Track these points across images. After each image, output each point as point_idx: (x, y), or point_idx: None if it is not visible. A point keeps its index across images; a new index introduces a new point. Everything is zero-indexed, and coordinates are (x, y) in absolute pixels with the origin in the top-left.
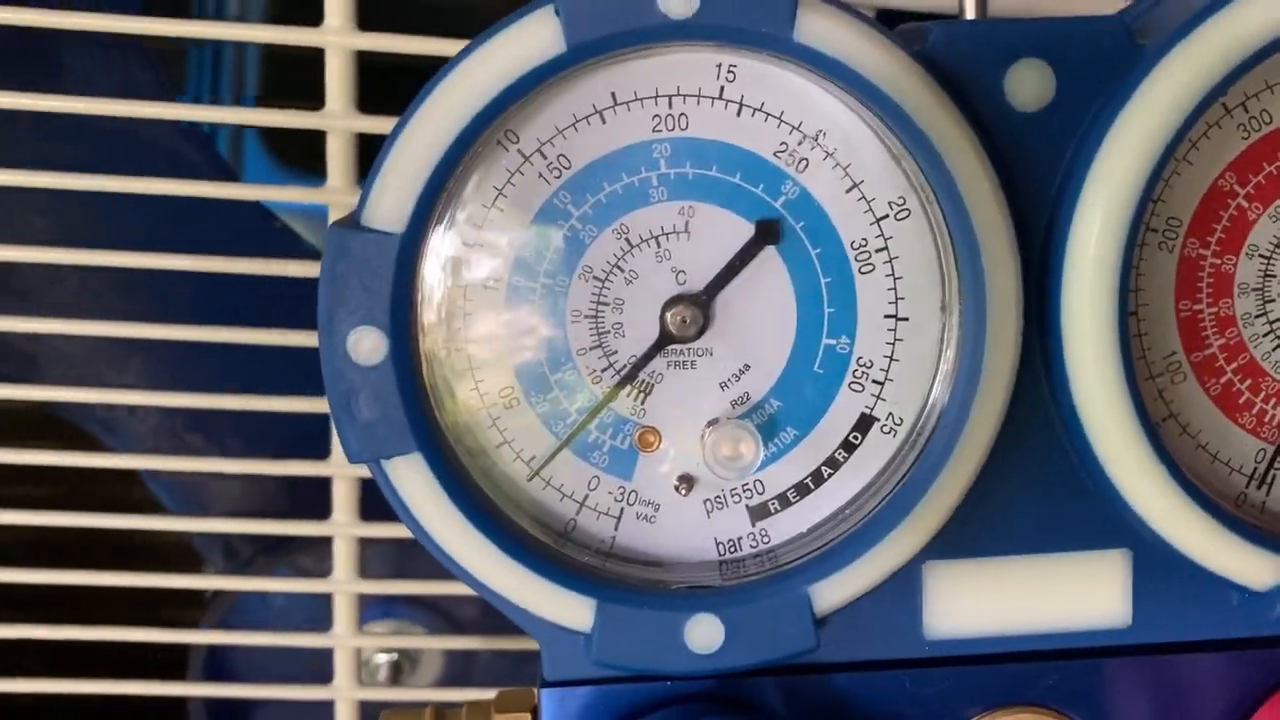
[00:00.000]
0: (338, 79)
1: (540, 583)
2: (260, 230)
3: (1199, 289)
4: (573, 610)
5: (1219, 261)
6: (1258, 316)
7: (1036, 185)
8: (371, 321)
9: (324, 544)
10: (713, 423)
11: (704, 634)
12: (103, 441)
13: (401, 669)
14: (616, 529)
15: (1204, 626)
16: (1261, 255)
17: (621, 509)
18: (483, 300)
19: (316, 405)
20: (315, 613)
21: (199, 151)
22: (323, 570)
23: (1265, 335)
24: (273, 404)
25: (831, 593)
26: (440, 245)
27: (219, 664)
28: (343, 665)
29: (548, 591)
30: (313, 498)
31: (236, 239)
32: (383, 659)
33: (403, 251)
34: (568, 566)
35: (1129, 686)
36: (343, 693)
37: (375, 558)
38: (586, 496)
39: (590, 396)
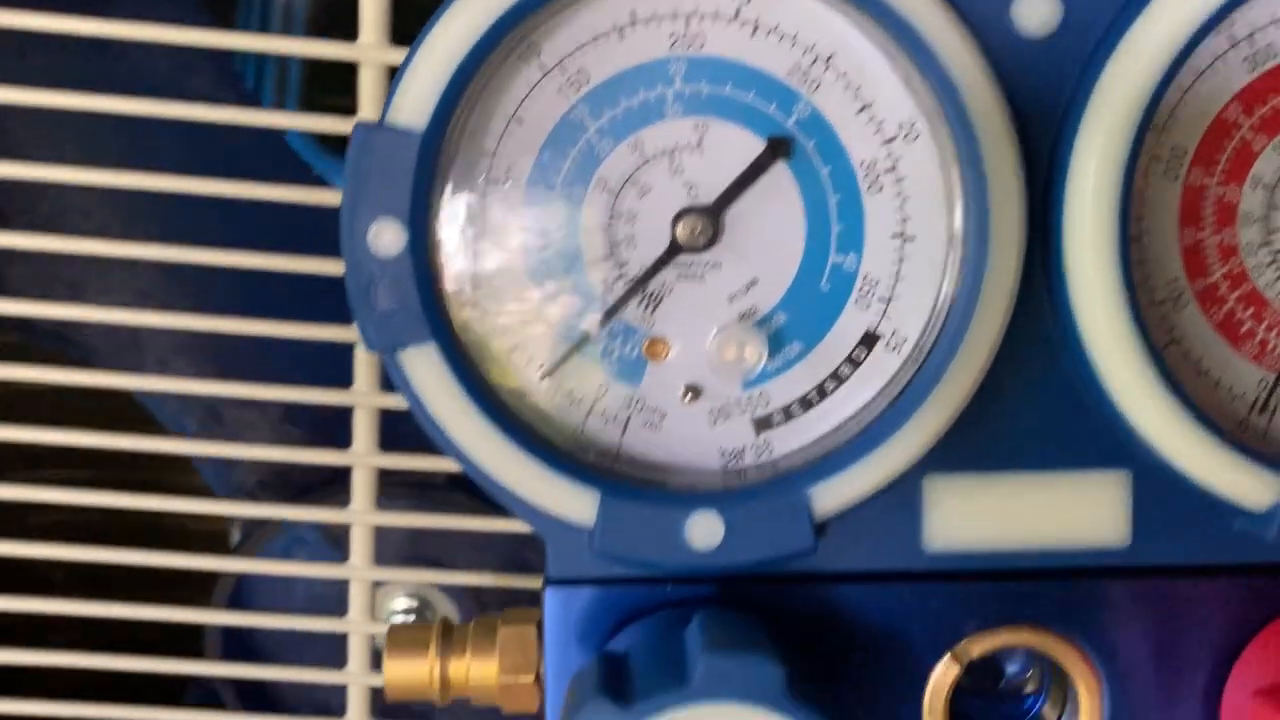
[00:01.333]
0: (373, 10)
1: (547, 475)
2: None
3: (1202, 218)
4: (577, 504)
5: (1223, 191)
6: (1261, 246)
7: (1042, 111)
8: (392, 213)
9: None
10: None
11: (704, 530)
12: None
13: (424, 618)
14: (623, 435)
15: (1203, 550)
16: (1265, 186)
17: (628, 416)
18: (499, 210)
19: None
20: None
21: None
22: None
23: (1269, 265)
24: (299, 395)
25: (831, 496)
26: (461, 151)
27: (235, 647)
28: (356, 650)
29: (553, 484)
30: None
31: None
32: (399, 618)
33: (424, 148)
34: (574, 462)
35: (1127, 609)
36: (356, 678)
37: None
38: (595, 402)
39: (602, 305)
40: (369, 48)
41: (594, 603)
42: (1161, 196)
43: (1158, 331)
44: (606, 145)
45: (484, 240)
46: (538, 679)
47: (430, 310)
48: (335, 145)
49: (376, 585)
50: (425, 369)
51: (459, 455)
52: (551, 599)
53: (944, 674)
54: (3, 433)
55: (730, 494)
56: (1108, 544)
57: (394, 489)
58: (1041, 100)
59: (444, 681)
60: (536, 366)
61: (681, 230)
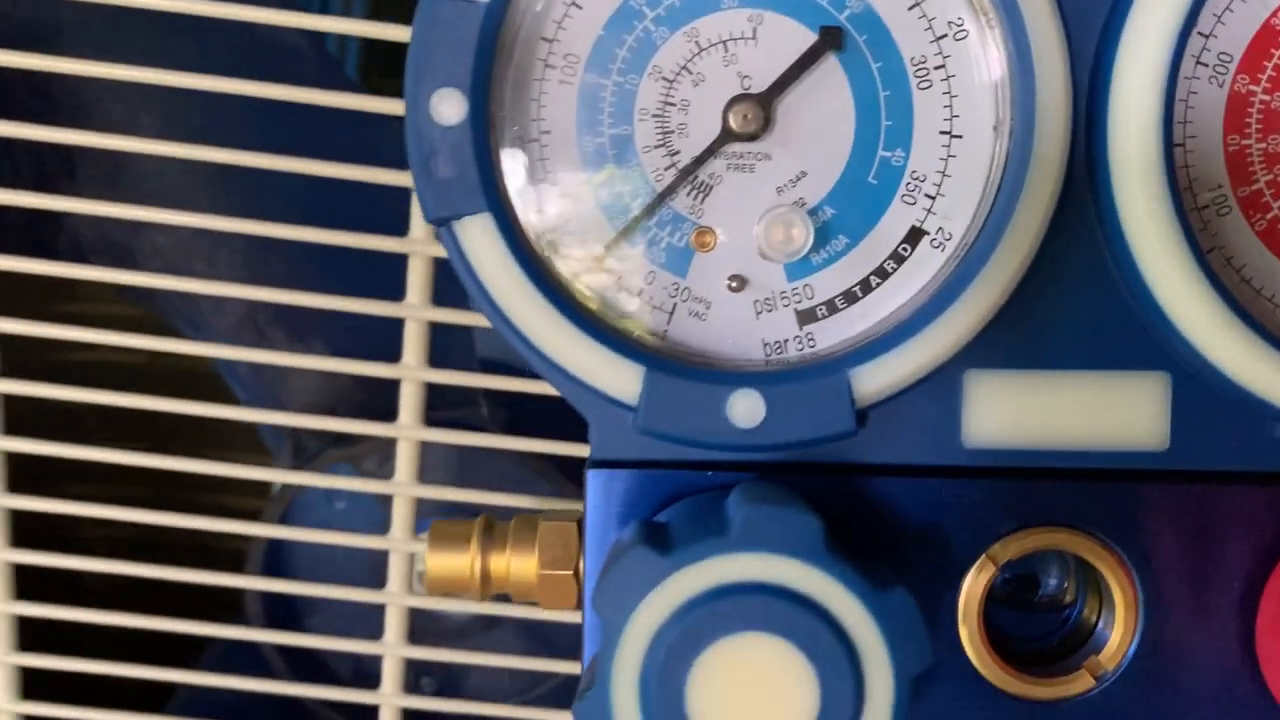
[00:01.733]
0: None
1: (593, 347)
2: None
3: (1247, 125)
4: (622, 378)
5: (1269, 99)
6: None
7: (1087, 11)
8: (453, 83)
9: (389, 446)
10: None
11: (746, 408)
12: (187, 335)
13: None
14: (669, 323)
15: (1242, 456)
16: None
17: (675, 304)
18: (556, 92)
19: (393, 309)
20: (374, 519)
21: (316, 54)
22: (385, 474)
23: None
24: (352, 304)
25: (871, 379)
26: (523, 30)
27: (277, 565)
28: (397, 569)
29: (599, 356)
30: (384, 401)
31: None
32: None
33: (487, 20)
34: (621, 338)
35: (1163, 514)
36: (395, 598)
37: (434, 467)
38: (642, 290)
39: (652, 193)
40: None
41: (636, 486)
42: (1207, 103)
43: (1201, 237)
44: (663, 33)
45: (539, 123)
46: (576, 574)
47: (487, 180)
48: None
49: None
50: (481, 239)
51: (508, 327)
52: (594, 480)
53: (979, 576)
54: (68, 394)
55: (772, 374)
56: (1146, 446)
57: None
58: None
59: (484, 575)
60: (586, 249)
61: (733, 117)
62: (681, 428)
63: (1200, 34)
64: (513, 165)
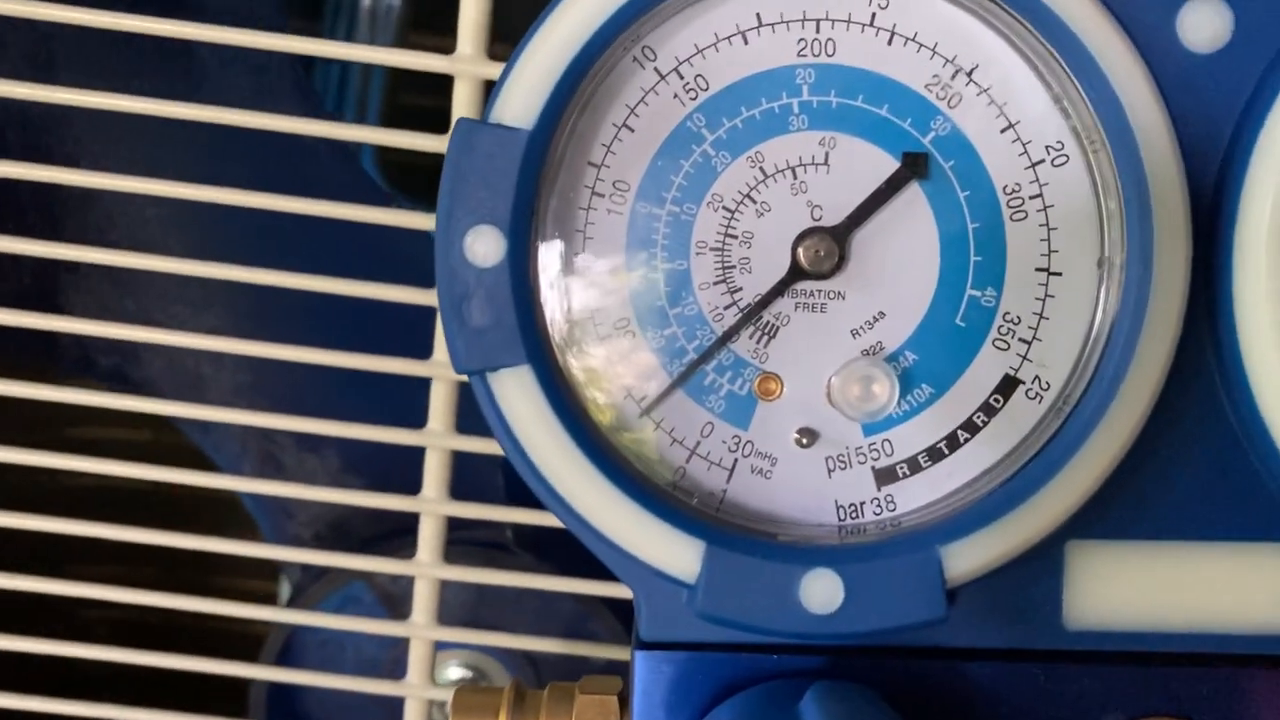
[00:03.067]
0: (470, 23)
1: (645, 518)
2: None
3: None
4: (678, 554)
5: None
6: None
7: (1208, 134)
8: (491, 220)
9: (403, 549)
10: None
11: (822, 591)
12: (193, 437)
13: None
14: (729, 481)
15: None
16: None
17: (735, 460)
18: (604, 223)
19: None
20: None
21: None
22: (400, 589)
23: None
24: (369, 432)
25: (964, 558)
26: (566, 158)
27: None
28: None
29: (652, 529)
30: (400, 529)
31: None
32: (455, 676)
33: (530, 149)
34: (676, 507)
35: None
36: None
37: (451, 586)
38: (698, 443)
39: (710, 335)
40: (465, 60)
41: (690, 670)
42: None
43: None
44: (724, 159)
45: (586, 258)
46: None
47: (528, 329)
48: (409, 184)
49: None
50: (518, 394)
51: (548, 493)
52: (643, 664)
53: None
54: (57, 526)
55: (850, 551)
56: (1275, 629)
57: (457, 549)
58: (1208, 121)
59: None
60: (636, 401)
61: (804, 253)
62: (748, 613)
63: None
64: (555, 307)
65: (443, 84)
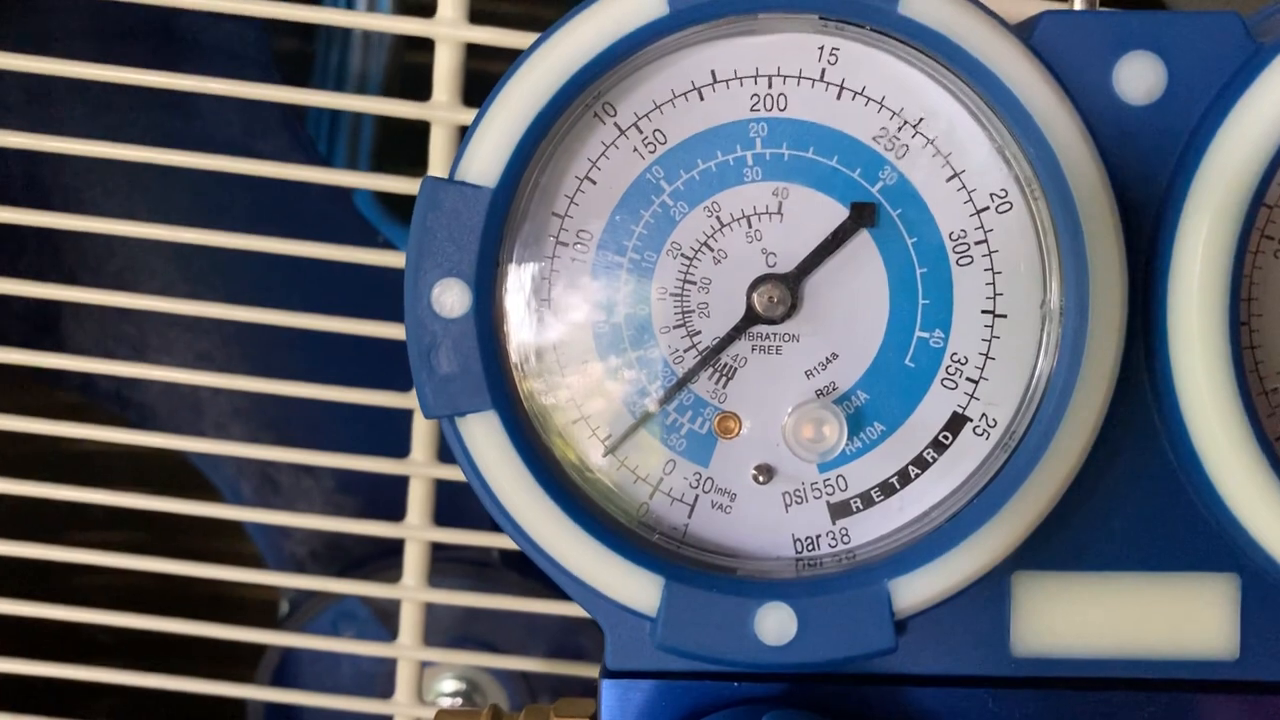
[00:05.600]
0: (445, 71)
1: (608, 556)
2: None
3: None
4: (639, 589)
5: None
6: None
7: (1144, 183)
8: (457, 274)
9: (395, 567)
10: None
11: (775, 624)
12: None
13: (473, 703)
14: (690, 516)
15: None
16: None
17: (697, 495)
18: (568, 271)
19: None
20: (381, 634)
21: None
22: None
23: None
24: (356, 463)
25: (912, 591)
26: (530, 211)
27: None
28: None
29: (615, 567)
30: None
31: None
32: (447, 701)
33: (493, 206)
34: (638, 544)
35: None
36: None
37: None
38: (661, 480)
39: (671, 377)
40: (440, 107)
41: (655, 698)
42: (1275, 277)
43: (1269, 422)
44: (682, 208)
45: (550, 305)
46: None
47: (493, 376)
48: (404, 214)
49: (425, 666)
50: (485, 438)
51: (516, 531)
52: (609, 692)
53: None
54: (57, 493)
55: (804, 585)
56: (1214, 655)
57: (446, 566)
58: (1144, 171)
59: None
60: (600, 440)
61: (758, 299)
62: (705, 645)
63: (1267, 205)
64: (521, 351)
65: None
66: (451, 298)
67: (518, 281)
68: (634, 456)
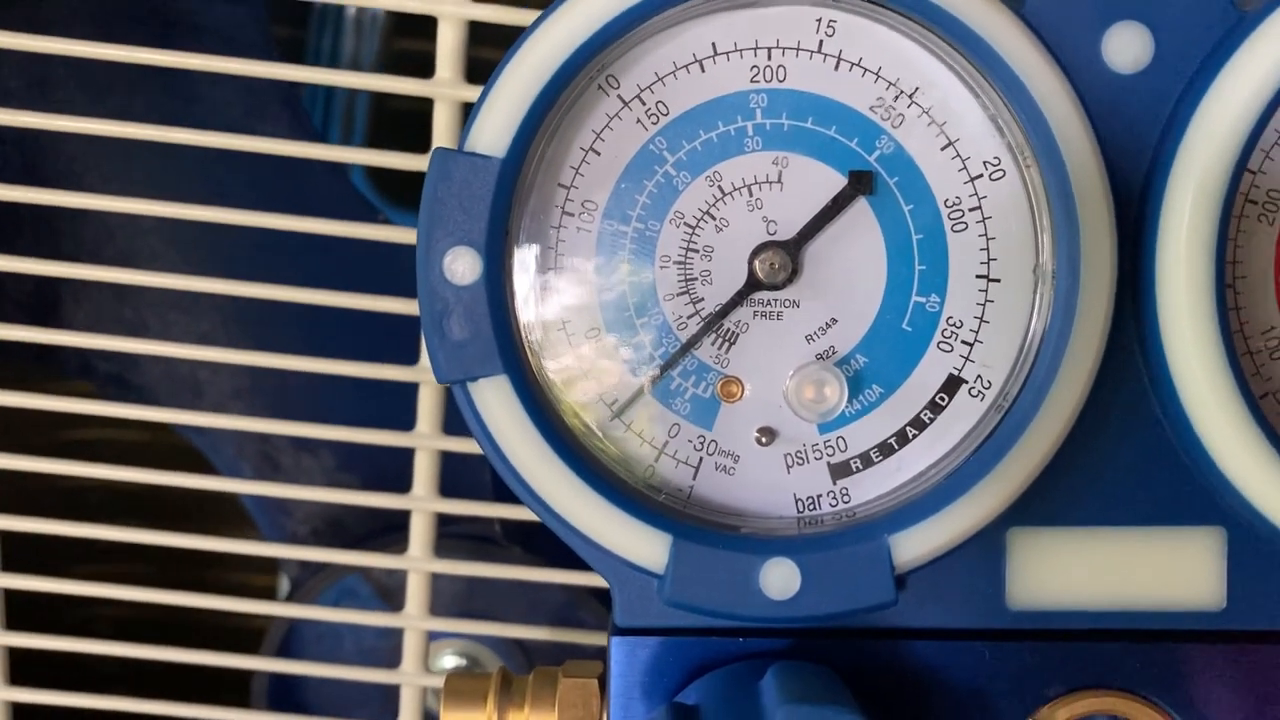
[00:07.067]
0: (449, 48)
1: (617, 515)
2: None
3: None
4: (648, 547)
5: None
6: None
7: (1132, 149)
8: (468, 242)
9: (397, 543)
10: (797, 373)
11: (780, 579)
12: (189, 437)
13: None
14: (695, 478)
15: None
16: None
17: (701, 458)
18: (574, 241)
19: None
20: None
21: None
22: (395, 582)
23: None
24: (360, 435)
25: (912, 546)
26: (537, 181)
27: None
28: (409, 703)
29: (624, 525)
30: (393, 525)
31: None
32: (450, 664)
33: (502, 175)
34: (645, 504)
35: (1221, 676)
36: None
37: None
38: (666, 443)
39: (675, 343)
40: (444, 84)
41: (662, 654)
42: (1258, 241)
43: (1254, 381)
44: (684, 178)
45: (557, 274)
46: None
47: (504, 341)
48: (398, 194)
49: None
50: (496, 402)
51: (527, 492)
52: (618, 649)
53: None
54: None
55: (807, 541)
56: (1201, 606)
57: (448, 542)
58: (1132, 138)
59: None
60: (607, 405)
61: (760, 266)
62: (711, 600)
63: (1250, 171)
64: (530, 318)
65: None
66: (463, 266)
67: (526, 249)
68: (639, 421)
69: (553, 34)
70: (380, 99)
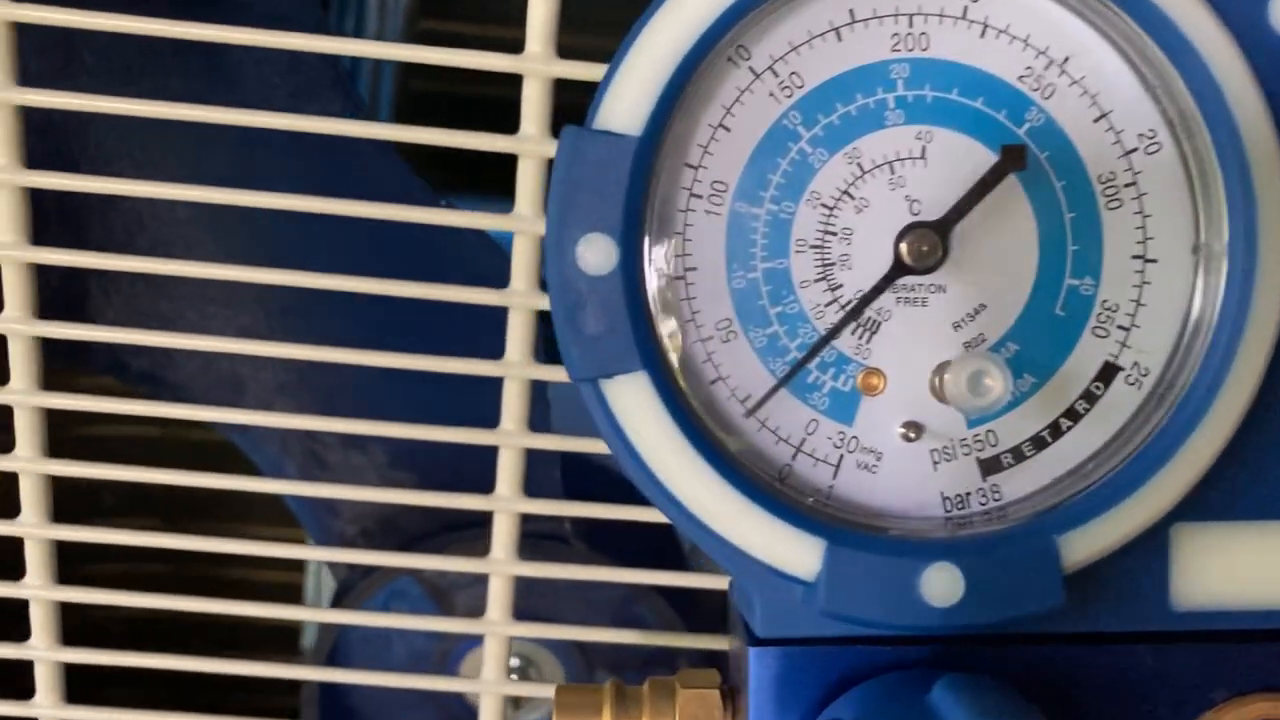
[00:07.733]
0: (539, 22)
1: (763, 519)
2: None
3: None
4: (797, 552)
5: None
6: None
7: None
8: (603, 229)
9: (455, 542)
10: (943, 365)
11: (942, 585)
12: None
13: (528, 677)
14: (835, 477)
15: None
16: None
17: (841, 456)
18: (703, 225)
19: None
20: (434, 612)
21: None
22: (445, 582)
23: None
24: (441, 364)
25: (1078, 546)
26: (665, 162)
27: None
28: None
29: (771, 529)
30: (447, 525)
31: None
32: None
33: (639, 155)
34: (795, 507)
35: None
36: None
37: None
38: (804, 440)
39: (812, 333)
40: (530, 140)
41: (805, 664)
42: None
43: None
44: (821, 155)
45: (685, 259)
46: None
47: (642, 336)
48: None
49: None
50: (633, 400)
51: (665, 497)
52: (758, 661)
53: None
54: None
55: (968, 543)
56: None
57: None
58: None
59: None
60: (740, 401)
61: (908, 248)
62: (870, 609)
63: None
64: (659, 310)
65: (454, 70)
66: (597, 254)
67: (656, 236)
68: (775, 417)
69: (685, 3)
70: (405, 80)
